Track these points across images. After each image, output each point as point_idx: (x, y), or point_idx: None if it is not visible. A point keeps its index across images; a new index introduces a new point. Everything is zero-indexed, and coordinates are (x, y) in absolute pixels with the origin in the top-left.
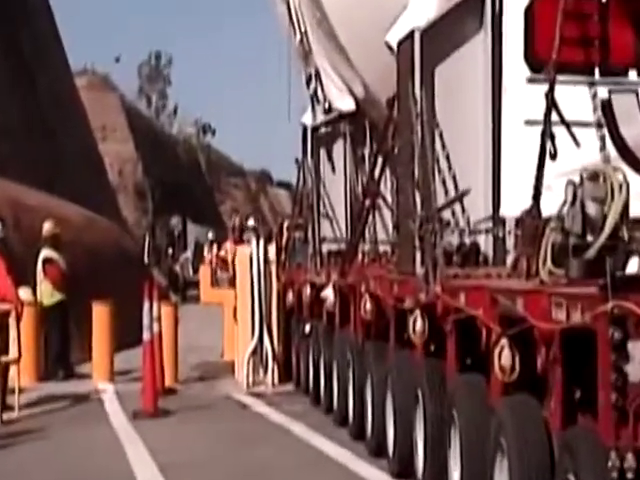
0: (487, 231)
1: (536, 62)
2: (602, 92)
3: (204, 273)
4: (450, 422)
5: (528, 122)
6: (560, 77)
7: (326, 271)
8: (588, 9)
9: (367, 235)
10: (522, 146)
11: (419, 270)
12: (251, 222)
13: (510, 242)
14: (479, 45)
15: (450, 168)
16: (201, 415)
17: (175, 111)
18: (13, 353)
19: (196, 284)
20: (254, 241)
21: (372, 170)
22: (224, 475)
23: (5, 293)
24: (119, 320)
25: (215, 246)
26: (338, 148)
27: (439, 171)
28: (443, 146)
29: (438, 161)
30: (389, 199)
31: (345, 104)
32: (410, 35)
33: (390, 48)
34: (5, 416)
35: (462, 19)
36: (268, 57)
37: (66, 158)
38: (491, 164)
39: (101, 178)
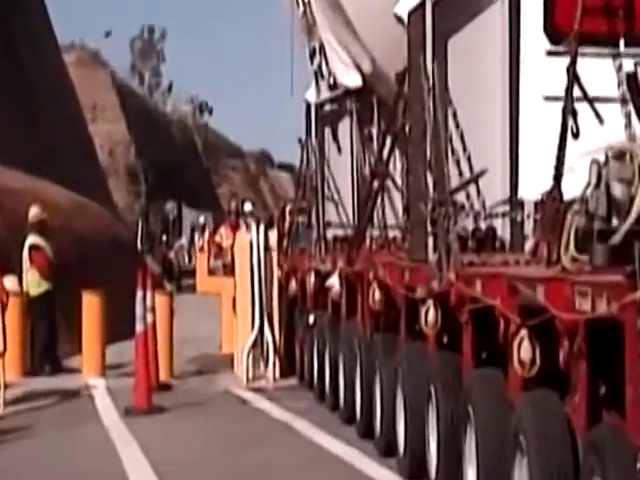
0: (504, 215)
1: (556, 33)
2: (627, 65)
3: (200, 261)
4: (465, 420)
5: (548, 98)
6: (582, 49)
7: (331, 258)
8: None
9: (375, 219)
10: (542, 124)
11: (432, 257)
12: (248, 206)
13: (529, 227)
14: (495, 15)
15: (464, 147)
16: (198, 412)
17: (169, 89)
18: None
19: (192, 272)
20: (254, 226)
21: (380, 150)
22: (222, 476)
23: None
24: (110, 311)
25: (208, 231)
26: (344, 126)
27: (452, 151)
28: (457, 124)
29: (451, 140)
30: (399, 181)
31: (351, 79)
32: (421, 5)
33: (400, 19)
34: None
35: None
36: (269, 30)
37: (53, 139)
38: (508, 143)
39: (91, 160)
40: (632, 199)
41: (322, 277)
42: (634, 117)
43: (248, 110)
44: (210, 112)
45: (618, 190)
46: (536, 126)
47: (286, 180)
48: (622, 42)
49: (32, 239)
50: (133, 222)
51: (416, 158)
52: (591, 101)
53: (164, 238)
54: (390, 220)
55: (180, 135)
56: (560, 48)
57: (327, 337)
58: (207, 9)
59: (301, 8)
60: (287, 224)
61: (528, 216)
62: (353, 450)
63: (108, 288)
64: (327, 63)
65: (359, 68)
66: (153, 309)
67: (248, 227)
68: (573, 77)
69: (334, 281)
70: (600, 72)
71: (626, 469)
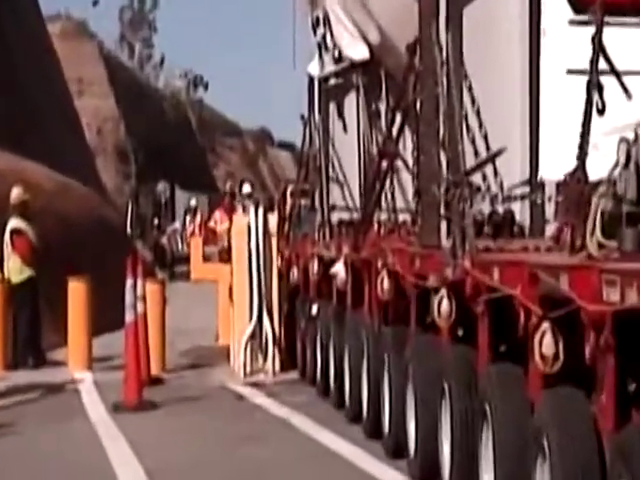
0: (523, 197)
1: (580, 1)
2: None
3: (195, 246)
4: (482, 419)
5: (571, 71)
6: (608, 18)
7: (336, 244)
8: None
9: (383, 202)
10: (564, 99)
11: (445, 242)
12: (247, 188)
13: (550, 210)
14: None
15: (480, 125)
16: (192, 408)
17: (161, 62)
18: None
19: (186, 259)
20: (252, 209)
21: (389, 127)
22: (217, 477)
23: None
24: (98, 299)
25: (199, 215)
26: (350, 102)
27: (467, 128)
28: (472, 99)
29: (466, 116)
30: (409, 161)
31: (358, 52)
32: None
33: None
34: None
35: None
36: None
37: (36, 115)
38: (528, 120)
39: (77, 138)
40: None
41: (326, 264)
42: None
43: (246, 85)
44: (205, 87)
45: None
46: (558, 101)
47: (287, 160)
48: None
49: (14, 222)
50: (122, 205)
51: (428, 136)
52: (618, 74)
53: (156, 222)
54: (400, 203)
55: (173, 112)
56: (584, 17)
57: (331, 329)
58: None
59: None
60: (288, 207)
61: (549, 199)
62: (359, 450)
63: (95, 275)
64: (332, 34)
65: (366, 39)
66: (144, 298)
67: (245, 210)
68: (599, 48)
69: (339, 268)
70: (627, 43)
71: None
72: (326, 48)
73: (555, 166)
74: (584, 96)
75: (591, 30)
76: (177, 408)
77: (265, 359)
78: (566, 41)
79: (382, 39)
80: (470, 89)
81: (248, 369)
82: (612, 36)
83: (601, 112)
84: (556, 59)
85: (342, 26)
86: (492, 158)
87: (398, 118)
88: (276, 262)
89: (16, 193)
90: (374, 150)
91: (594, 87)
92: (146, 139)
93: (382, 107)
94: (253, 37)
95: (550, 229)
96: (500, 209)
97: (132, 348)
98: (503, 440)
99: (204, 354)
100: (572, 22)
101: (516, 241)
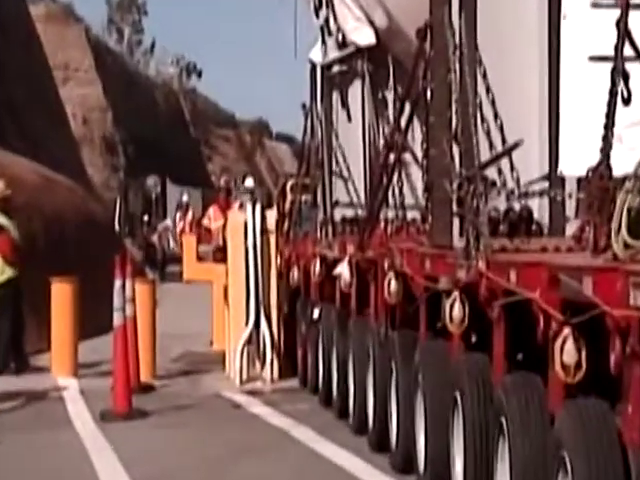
0: (542, 193)
1: None
2: None
3: (187, 245)
4: (498, 432)
5: (593, 58)
6: (634, 0)
7: (340, 243)
8: None
9: (391, 198)
10: (586, 88)
11: (457, 242)
12: (250, 182)
13: (571, 207)
14: None
15: (496, 115)
16: (184, 417)
17: (152, 48)
18: None
19: (178, 258)
20: (249, 206)
21: (397, 118)
22: None
23: None
24: (84, 301)
25: (191, 212)
26: (354, 91)
27: (482, 119)
28: (487, 88)
29: (481, 106)
30: (418, 154)
31: (363, 36)
32: None
33: None
34: None
35: None
36: None
37: (19, 104)
38: (547, 110)
39: (62, 129)
40: None
41: (329, 265)
42: None
43: (242, 73)
44: (199, 75)
45: None
46: (579, 90)
47: (286, 153)
48: None
49: None
50: (110, 200)
51: (439, 127)
52: None
53: (146, 219)
54: (408, 199)
55: (164, 101)
56: None
57: (334, 334)
58: None
59: None
60: (288, 203)
61: (570, 195)
62: (364, 464)
63: (81, 276)
64: (335, 17)
65: (372, 22)
66: (133, 300)
67: (242, 206)
68: (624, 33)
69: (343, 269)
70: None
71: None
72: (329, 32)
73: (576, 160)
74: (608, 85)
75: (615, 13)
76: (168, 418)
77: (263, 365)
78: (588, 25)
79: (389, 22)
80: (485, 76)
81: (244, 376)
82: (638, 20)
83: (626, 102)
84: (577, 45)
85: (346, 8)
86: (508, 151)
87: (407, 108)
88: (275, 262)
89: None
90: (381, 142)
91: (619, 75)
92: (136, 130)
93: (389, 96)
94: (250, 22)
95: (571, 228)
96: (517, 206)
97: (120, 353)
98: (520, 455)
99: (197, 360)
100: (595, 5)
101: (534, 240)
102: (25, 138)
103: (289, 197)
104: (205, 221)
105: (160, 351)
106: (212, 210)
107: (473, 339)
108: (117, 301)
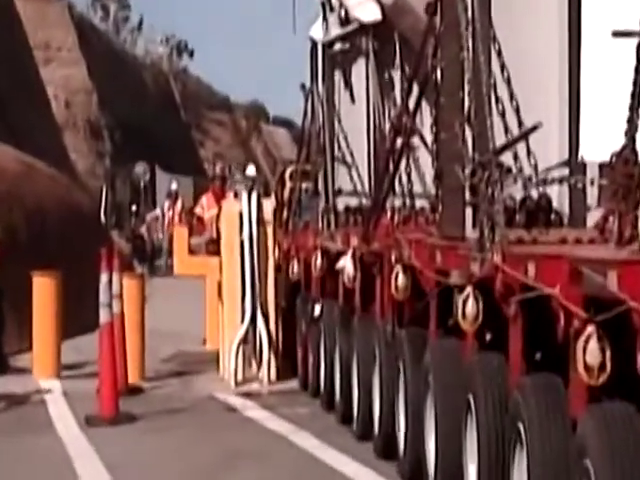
0: (562, 180)
1: None
2: None
3: (178, 236)
4: (515, 439)
5: (617, 33)
6: None
7: (343, 234)
8: None
9: (398, 186)
10: (610, 65)
11: (470, 233)
12: (251, 170)
13: (593, 195)
14: None
15: (512, 96)
16: (175, 422)
17: (140, 25)
18: None
19: (168, 250)
20: (245, 194)
21: (405, 99)
22: None
23: None
24: (68, 297)
25: (180, 200)
26: (358, 70)
27: (497, 100)
28: (502, 66)
29: (495, 86)
30: (428, 138)
31: (367, 12)
32: None
33: None
34: None
35: None
36: None
37: None
38: (567, 90)
39: (43, 113)
40: None
41: (331, 258)
42: None
43: (237, 52)
44: (190, 54)
45: None
46: (602, 68)
47: (284, 138)
48: None
49: None
50: (96, 189)
51: (450, 109)
52: None
53: (134, 209)
54: (417, 187)
55: (153, 82)
56: None
57: (337, 332)
58: None
59: None
60: (287, 191)
61: (592, 182)
62: (369, 472)
63: (65, 270)
64: None
65: None
66: (121, 296)
67: (237, 195)
68: None
69: (346, 263)
70: None
71: None
72: (331, 8)
73: (599, 144)
74: (633, 62)
75: None
76: (158, 422)
77: (259, 366)
78: None
79: None
80: (499, 54)
81: (240, 377)
82: None
83: None
84: (600, 19)
85: None
86: (525, 135)
87: (415, 88)
88: (272, 255)
89: None
90: (387, 125)
91: None
92: (122, 114)
93: (396, 76)
94: None
95: (593, 217)
96: (534, 194)
97: (107, 353)
98: (540, 463)
99: (189, 360)
100: None
101: (553, 231)
102: (3, 123)
103: (288, 185)
104: (198, 209)
105: (149, 351)
106: (205, 198)
107: (488, 338)
108: (103, 297)
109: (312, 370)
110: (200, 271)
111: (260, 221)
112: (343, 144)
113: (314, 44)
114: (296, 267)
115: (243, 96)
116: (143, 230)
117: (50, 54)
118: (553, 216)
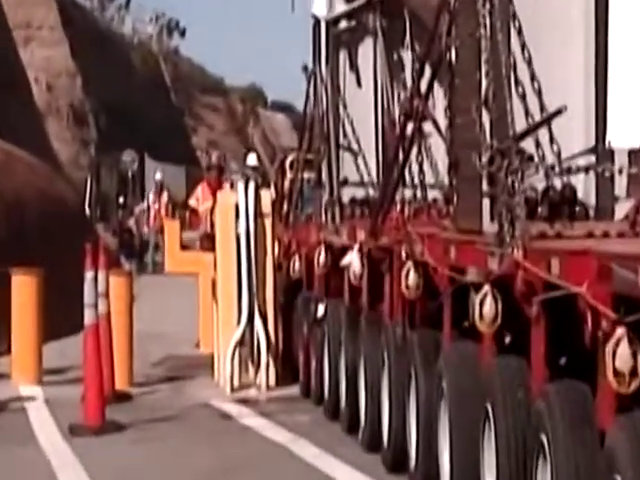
0: (587, 169)
1: None
2: None
3: (170, 230)
4: (537, 451)
5: None
6: None
7: (349, 228)
8: None
9: (408, 176)
10: (638, 46)
11: (488, 227)
12: (252, 159)
13: (621, 185)
14: None
15: (533, 77)
16: (165, 431)
17: (127, 2)
18: None
19: (155, 246)
20: (241, 185)
21: (416, 81)
22: None
23: None
24: (50, 297)
25: (165, 192)
26: (365, 50)
27: (517, 82)
28: (523, 45)
29: (515, 66)
30: (441, 123)
31: None
32: None
33: None
34: None
35: None
36: None
37: None
38: (593, 73)
39: (23, 97)
40: None
41: (336, 253)
42: None
43: (232, 31)
44: (182, 34)
45: None
46: (631, 49)
47: (284, 124)
48: None
49: None
50: (80, 179)
51: (466, 92)
52: None
53: (121, 200)
54: (429, 177)
55: (142, 64)
56: None
57: (343, 334)
58: None
59: None
60: (287, 182)
61: (620, 171)
62: None
63: (47, 267)
64: None
65: None
66: (107, 295)
67: (233, 185)
68: None
69: (352, 259)
70: None
71: None
72: None
73: (626, 130)
74: None
75: None
76: (147, 431)
77: (257, 370)
78: None
79: None
80: (520, 32)
81: (236, 382)
82: None
83: None
84: None
85: None
86: (548, 119)
87: (427, 69)
88: (271, 251)
89: None
90: (396, 110)
91: None
92: (109, 98)
93: (406, 56)
94: None
95: (621, 209)
96: (558, 184)
97: (92, 357)
98: (565, 477)
99: (181, 364)
100: None
101: (579, 224)
102: None
103: (289, 175)
104: (192, 201)
105: (138, 354)
106: (200, 189)
107: (507, 341)
108: (88, 296)
109: (315, 375)
110: (193, 268)
111: (258, 214)
112: (349, 130)
113: (317, 22)
114: (297, 264)
115: (239, 79)
116: (131, 223)
117: (30, 33)
118: (578, 208)
